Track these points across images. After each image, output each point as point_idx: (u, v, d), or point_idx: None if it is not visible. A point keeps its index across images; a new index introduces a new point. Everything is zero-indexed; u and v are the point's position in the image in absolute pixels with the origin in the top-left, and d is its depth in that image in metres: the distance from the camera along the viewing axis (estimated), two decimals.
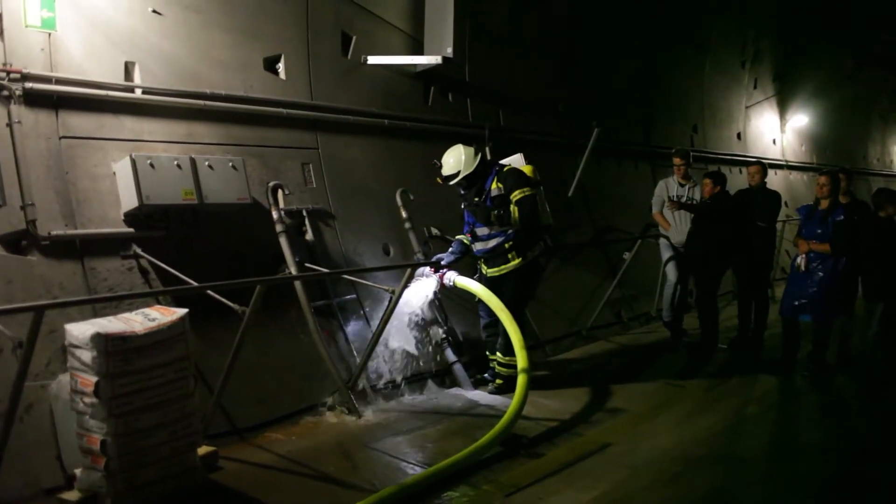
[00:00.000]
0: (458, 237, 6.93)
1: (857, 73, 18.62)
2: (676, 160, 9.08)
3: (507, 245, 6.60)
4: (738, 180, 12.92)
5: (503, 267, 6.65)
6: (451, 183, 6.73)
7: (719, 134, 14.70)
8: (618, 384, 7.11)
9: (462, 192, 6.80)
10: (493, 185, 6.60)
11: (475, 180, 6.67)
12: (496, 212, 6.55)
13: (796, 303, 7.50)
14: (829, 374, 7.55)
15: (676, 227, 8.95)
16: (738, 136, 15.54)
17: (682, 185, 9.02)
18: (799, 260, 7.44)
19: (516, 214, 6.50)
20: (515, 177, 6.60)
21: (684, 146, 11.67)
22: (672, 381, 7.33)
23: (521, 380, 5.86)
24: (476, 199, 6.69)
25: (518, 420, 5.58)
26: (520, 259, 6.60)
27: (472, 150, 6.72)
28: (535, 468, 5.05)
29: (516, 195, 6.50)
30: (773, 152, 16.87)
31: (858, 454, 5.55)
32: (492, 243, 6.66)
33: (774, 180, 16.25)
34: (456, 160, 6.67)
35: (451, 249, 6.88)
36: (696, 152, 13.06)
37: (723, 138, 14.82)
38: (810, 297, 7.37)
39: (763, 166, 8.87)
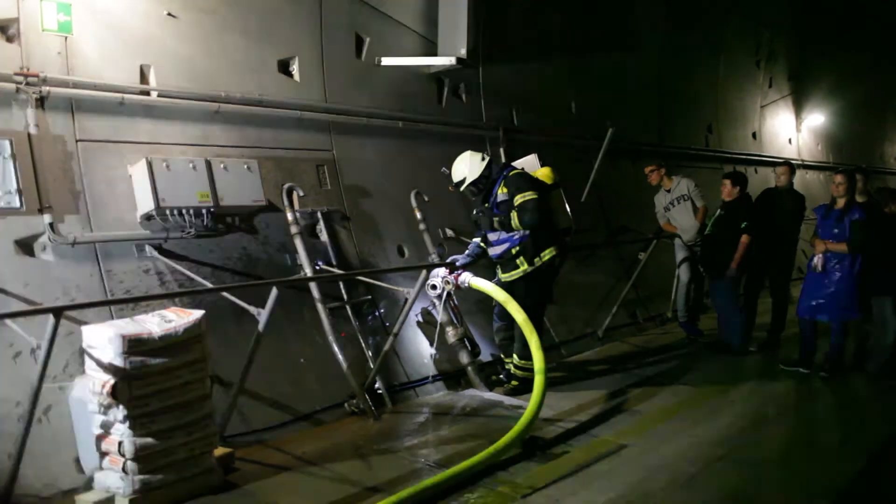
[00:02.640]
0: (475, 239, 6.93)
1: (873, 71, 18.48)
2: (646, 169, 9.17)
3: (513, 251, 6.59)
4: (752, 180, 12.84)
5: (513, 273, 6.65)
6: (461, 189, 6.75)
7: (734, 134, 14.62)
8: (634, 385, 7.08)
9: (473, 198, 6.81)
10: (500, 191, 6.61)
11: (483, 186, 6.67)
12: (498, 218, 6.55)
13: (813, 303, 7.44)
14: (847, 374, 7.48)
15: (681, 227, 8.92)
16: (754, 135, 15.45)
17: (667, 191, 9.03)
18: (816, 260, 7.39)
19: (516, 220, 6.48)
20: (519, 181, 6.57)
21: (699, 146, 11.64)
22: (688, 381, 7.30)
23: (538, 381, 5.83)
24: (485, 204, 6.69)
25: (535, 421, 5.57)
26: (527, 265, 6.59)
27: (478, 155, 6.73)
28: (551, 469, 5.04)
29: (518, 199, 6.47)
30: (788, 152, 16.75)
31: (876, 456, 5.50)
32: (500, 249, 6.67)
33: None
34: (463, 167, 6.69)
35: (467, 251, 6.89)
36: (711, 152, 13.07)
37: (738, 138, 14.75)
38: (827, 297, 7.32)
39: (791, 167, 8.81)
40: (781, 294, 8.72)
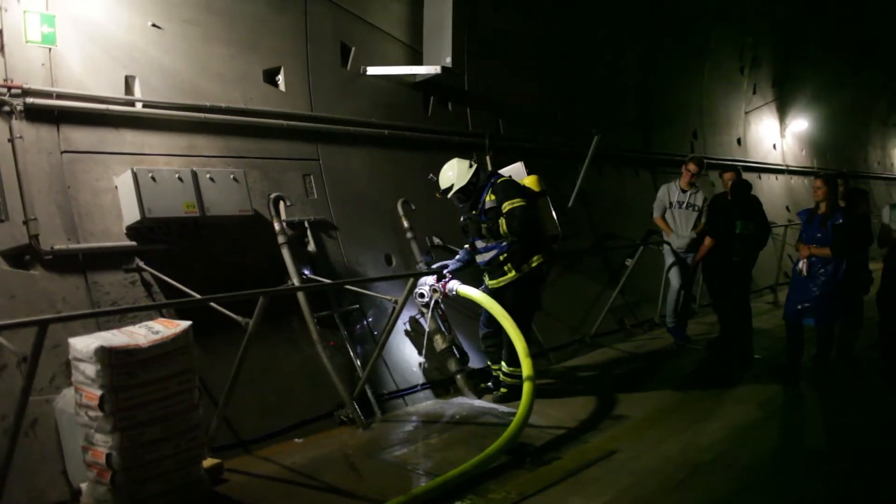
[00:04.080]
0: (465, 246, 6.95)
1: (856, 77, 18.64)
2: (692, 167, 9.04)
3: (501, 258, 6.61)
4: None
5: (501, 279, 6.66)
6: (448, 196, 6.77)
7: (719, 140, 14.71)
8: (622, 391, 7.10)
9: (460, 205, 6.83)
10: (487, 198, 6.63)
11: (470, 193, 6.70)
12: (486, 225, 6.57)
13: (799, 307, 7.49)
14: (834, 377, 7.52)
15: (677, 231, 8.96)
16: (738, 141, 15.55)
17: (683, 192, 9.02)
18: (801, 265, 7.45)
19: (504, 227, 6.50)
20: (506, 188, 6.60)
21: (684, 153, 11.68)
22: (676, 387, 7.32)
23: (526, 388, 5.85)
24: (473, 211, 6.71)
25: (524, 428, 5.57)
26: (515, 272, 6.61)
27: (465, 163, 6.76)
28: (541, 476, 5.04)
29: (506, 206, 6.49)
30: (773, 157, 16.88)
31: (863, 459, 5.53)
32: (488, 256, 6.69)
33: (775, 185, 16.27)
34: (451, 174, 6.72)
35: (457, 257, 6.92)
36: None
37: (723, 144, 14.84)
38: (813, 300, 7.37)
39: (738, 172, 8.86)
40: (742, 301, 8.56)
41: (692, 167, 9.03)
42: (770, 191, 15.66)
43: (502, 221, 6.48)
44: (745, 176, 14.45)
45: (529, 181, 6.87)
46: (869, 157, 22.14)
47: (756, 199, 8.55)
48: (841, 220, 7.25)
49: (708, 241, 8.27)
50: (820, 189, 7.38)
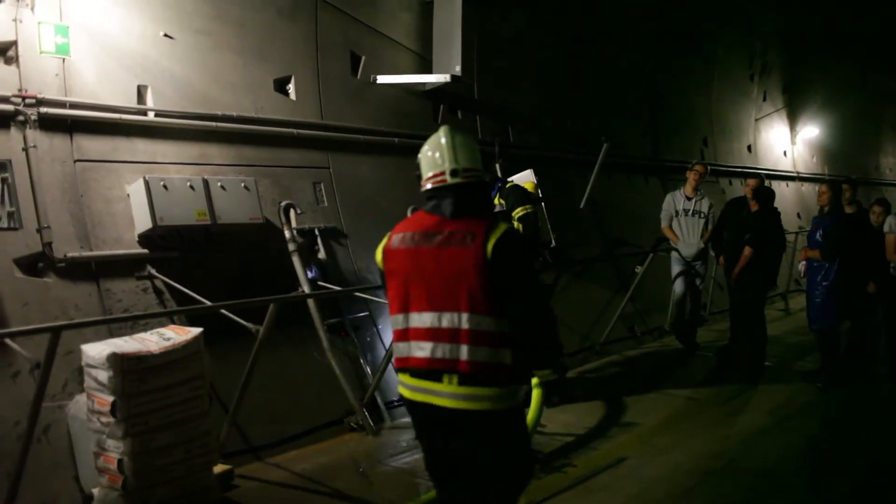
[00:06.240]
0: None
1: (867, 83, 18.57)
2: (700, 168, 9.04)
3: None
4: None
5: None
6: None
7: (729, 147, 14.68)
8: (632, 398, 7.08)
9: None
10: (496, 202, 6.65)
11: None
12: None
13: (811, 312, 7.51)
14: (842, 383, 7.47)
15: (685, 239, 8.95)
16: (749, 148, 15.51)
17: (689, 199, 9.01)
18: (800, 267, 7.50)
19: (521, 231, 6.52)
20: (517, 194, 6.64)
21: (694, 160, 11.67)
22: (686, 394, 7.31)
23: (535, 395, 5.84)
24: None
25: (534, 435, 5.57)
26: None
27: None
28: (550, 483, 5.05)
29: (518, 212, 6.52)
30: (784, 164, 16.83)
31: (873, 465, 5.52)
32: None
33: (786, 192, 16.23)
34: None
35: None
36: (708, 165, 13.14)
37: (733, 151, 14.80)
38: (815, 306, 7.40)
39: (761, 179, 8.82)
40: (757, 308, 8.30)
41: (700, 168, 9.06)
42: (781, 198, 15.59)
43: (519, 227, 6.51)
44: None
45: (528, 186, 6.94)
46: (880, 164, 22.03)
47: (730, 204, 8.64)
48: (830, 223, 7.28)
49: (748, 251, 7.82)
50: (824, 194, 7.45)
